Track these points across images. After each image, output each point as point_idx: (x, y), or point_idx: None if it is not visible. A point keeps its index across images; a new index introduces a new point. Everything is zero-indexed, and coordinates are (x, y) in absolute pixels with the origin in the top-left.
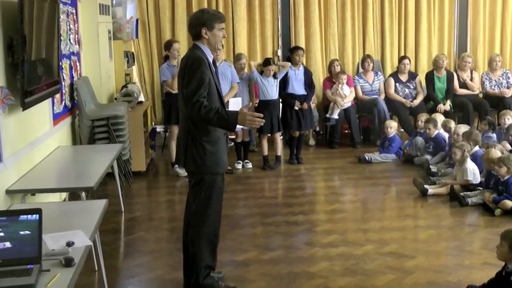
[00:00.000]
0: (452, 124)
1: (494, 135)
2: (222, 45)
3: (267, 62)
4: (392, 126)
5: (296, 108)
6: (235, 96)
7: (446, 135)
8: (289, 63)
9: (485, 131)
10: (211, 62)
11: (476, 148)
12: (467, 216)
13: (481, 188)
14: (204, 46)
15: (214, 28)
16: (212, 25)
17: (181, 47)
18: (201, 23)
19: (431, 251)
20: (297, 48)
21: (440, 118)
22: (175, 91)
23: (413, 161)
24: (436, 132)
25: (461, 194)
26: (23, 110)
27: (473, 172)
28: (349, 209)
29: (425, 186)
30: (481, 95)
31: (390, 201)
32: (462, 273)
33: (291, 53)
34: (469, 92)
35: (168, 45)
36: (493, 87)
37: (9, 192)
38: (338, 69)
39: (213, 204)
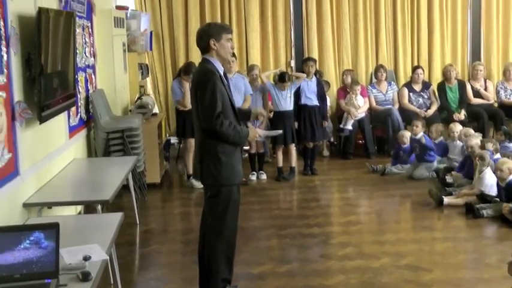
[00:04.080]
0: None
1: (510, 145)
2: (235, 57)
3: (282, 78)
4: (407, 136)
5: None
6: (248, 107)
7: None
8: (305, 75)
9: (501, 141)
10: (222, 74)
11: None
12: (484, 228)
13: (498, 200)
14: (214, 59)
15: (221, 39)
16: (219, 36)
17: (195, 60)
18: (208, 34)
19: (449, 263)
20: (308, 59)
21: (457, 128)
22: (188, 108)
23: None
24: (420, 134)
25: (477, 206)
26: (40, 124)
27: (489, 183)
28: (365, 220)
29: (441, 195)
30: (496, 105)
31: (406, 213)
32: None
33: (302, 64)
34: (483, 102)
35: (188, 70)
36: (508, 97)
37: (26, 205)
38: (348, 80)
39: (229, 216)
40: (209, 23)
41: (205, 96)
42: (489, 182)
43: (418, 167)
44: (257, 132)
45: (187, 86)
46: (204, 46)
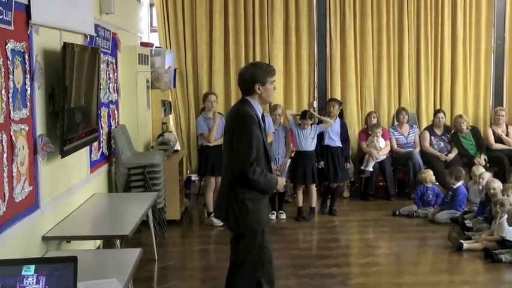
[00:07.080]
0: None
1: None
2: None
3: (303, 116)
4: (432, 175)
5: (319, 167)
6: (270, 144)
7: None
8: (331, 122)
9: None
10: (260, 117)
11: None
12: (503, 273)
13: None
14: (255, 101)
15: (266, 83)
16: (265, 80)
17: (218, 99)
18: (254, 78)
19: None
20: (330, 100)
21: (480, 171)
22: (212, 144)
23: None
24: (459, 184)
25: (495, 251)
26: (62, 158)
27: (510, 229)
28: (383, 262)
29: (460, 241)
30: None
31: (425, 256)
32: None
33: (326, 104)
34: (505, 147)
35: (204, 97)
36: None
37: (45, 238)
38: (374, 121)
39: (254, 256)
40: (254, 64)
41: (242, 142)
42: (509, 228)
43: (442, 210)
44: (284, 180)
45: (217, 120)
46: (247, 89)
